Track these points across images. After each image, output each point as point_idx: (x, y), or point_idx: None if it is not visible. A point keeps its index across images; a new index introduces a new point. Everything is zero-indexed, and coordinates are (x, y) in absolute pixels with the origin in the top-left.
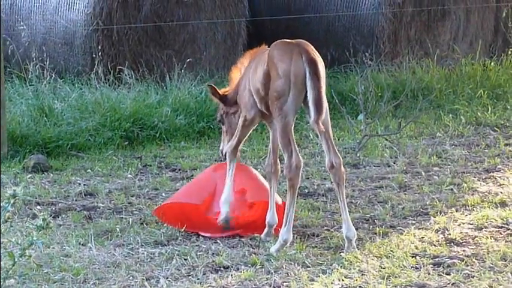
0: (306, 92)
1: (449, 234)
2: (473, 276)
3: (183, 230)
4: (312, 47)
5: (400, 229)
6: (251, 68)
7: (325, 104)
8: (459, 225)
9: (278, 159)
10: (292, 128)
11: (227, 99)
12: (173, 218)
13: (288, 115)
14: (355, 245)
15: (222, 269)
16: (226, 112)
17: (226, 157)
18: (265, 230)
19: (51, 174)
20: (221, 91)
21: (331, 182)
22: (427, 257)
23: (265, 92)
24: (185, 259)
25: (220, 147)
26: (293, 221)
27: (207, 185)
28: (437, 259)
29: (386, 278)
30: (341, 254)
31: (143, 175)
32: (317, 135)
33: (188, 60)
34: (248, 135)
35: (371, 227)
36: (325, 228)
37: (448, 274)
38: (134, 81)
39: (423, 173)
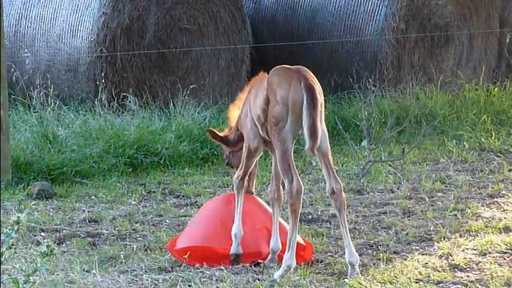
0: None
1: (453, 259)
2: None
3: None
4: (311, 73)
5: (404, 255)
6: (251, 95)
7: (321, 132)
8: (463, 250)
9: (281, 185)
10: (292, 153)
11: (229, 140)
12: (195, 258)
13: (286, 141)
14: (358, 270)
15: None
16: (231, 152)
17: (234, 188)
18: (269, 256)
19: (56, 201)
20: (222, 133)
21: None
22: (431, 283)
23: (265, 118)
24: (189, 285)
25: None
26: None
27: (228, 224)
28: (441, 285)
29: None
30: (345, 280)
31: (147, 201)
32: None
33: (192, 86)
34: (254, 164)
35: (375, 252)
36: (329, 254)
37: None
38: (138, 108)
39: (427, 199)
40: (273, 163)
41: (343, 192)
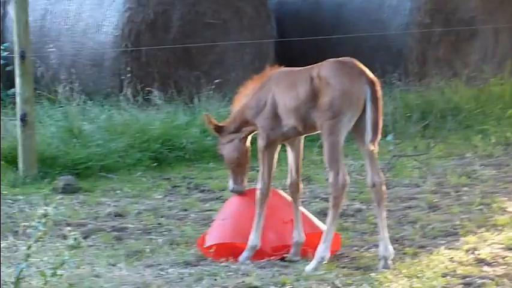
0: (362, 112)
1: (479, 254)
2: None
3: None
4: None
5: (430, 249)
6: (278, 88)
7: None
8: (489, 245)
9: (300, 179)
10: (342, 146)
11: (222, 130)
12: (222, 252)
13: (341, 134)
14: (391, 264)
15: None
16: (222, 143)
17: (257, 197)
18: (293, 250)
19: (81, 196)
20: (220, 123)
21: (360, 202)
22: (457, 277)
23: (307, 111)
24: (215, 279)
25: (229, 184)
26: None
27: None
28: (467, 279)
29: None
30: (371, 274)
31: (172, 196)
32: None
33: (216, 81)
34: (275, 163)
35: (401, 247)
36: (355, 248)
37: None
38: (163, 103)
39: (452, 193)
40: (293, 156)
41: (383, 185)
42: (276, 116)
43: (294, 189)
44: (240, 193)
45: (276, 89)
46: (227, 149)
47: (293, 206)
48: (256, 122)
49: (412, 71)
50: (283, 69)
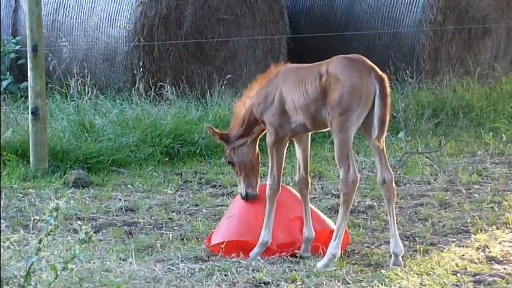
0: (371, 109)
1: (490, 252)
2: None
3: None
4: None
5: (441, 246)
6: (285, 84)
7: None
8: (500, 243)
9: (308, 174)
10: (351, 143)
11: (229, 137)
12: (232, 249)
13: (350, 130)
14: (401, 261)
15: (262, 285)
16: (232, 149)
17: (267, 193)
18: (303, 246)
19: (92, 190)
20: (225, 130)
21: (371, 199)
22: (468, 275)
23: (316, 107)
24: (225, 275)
25: (239, 190)
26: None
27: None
28: (478, 277)
29: None
30: (381, 271)
31: (183, 191)
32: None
33: (229, 76)
34: (284, 158)
35: (411, 244)
36: (366, 245)
37: None
38: (175, 98)
39: (464, 191)
40: (301, 152)
41: (393, 182)
42: (284, 113)
43: (302, 185)
44: (255, 198)
45: (284, 85)
46: (238, 154)
47: (302, 202)
48: (264, 119)
49: (424, 68)
50: (290, 65)
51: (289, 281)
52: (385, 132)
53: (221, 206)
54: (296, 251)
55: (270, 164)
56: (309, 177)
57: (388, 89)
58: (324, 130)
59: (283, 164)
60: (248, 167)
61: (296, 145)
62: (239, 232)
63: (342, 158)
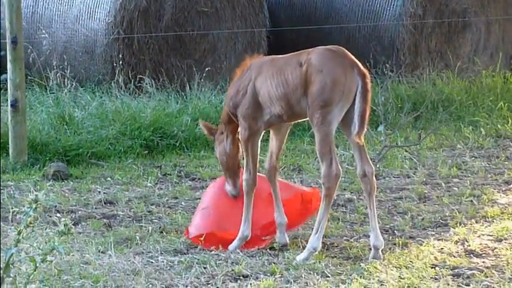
0: (352, 104)
1: (469, 245)
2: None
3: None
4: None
5: (420, 240)
6: (255, 77)
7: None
8: (479, 236)
9: (277, 161)
10: (333, 137)
11: (214, 133)
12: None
13: (331, 124)
14: (381, 254)
15: (241, 277)
16: (216, 146)
17: (244, 188)
18: (278, 232)
19: (71, 182)
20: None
21: (351, 192)
22: (447, 268)
23: (296, 98)
24: (204, 267)
25: (228, 189)
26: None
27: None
28: (456, 270)
29: None
30: (360, 264)
31: (163, 184)
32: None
33: (208, 69)
34: (259, 151)
35: (390, 237)
36: (345, 238)
37: (468, 285)
38: (154, 90)
39: (443, 185)
40: (274, 143)
41: (374, 176)
42: (257, 105)
43: (272, 173)
44: (235, 196)
45: (258, 77)
46: (217, 151)
47: (272, 189)
48: (237, 112)
49: (404, 61)
50: (265, 57)
51: (268, 274)
52: (365, 129)
53: (200, 199)
54: (273, 241)
55: (244, 159)
56: (277, 166)
57: (370, 85)
58: (299, 121)
59: (258, 157)
60: (224, 164)
61: (272, 135)
62: (214, 223)
63: (324, 152)
